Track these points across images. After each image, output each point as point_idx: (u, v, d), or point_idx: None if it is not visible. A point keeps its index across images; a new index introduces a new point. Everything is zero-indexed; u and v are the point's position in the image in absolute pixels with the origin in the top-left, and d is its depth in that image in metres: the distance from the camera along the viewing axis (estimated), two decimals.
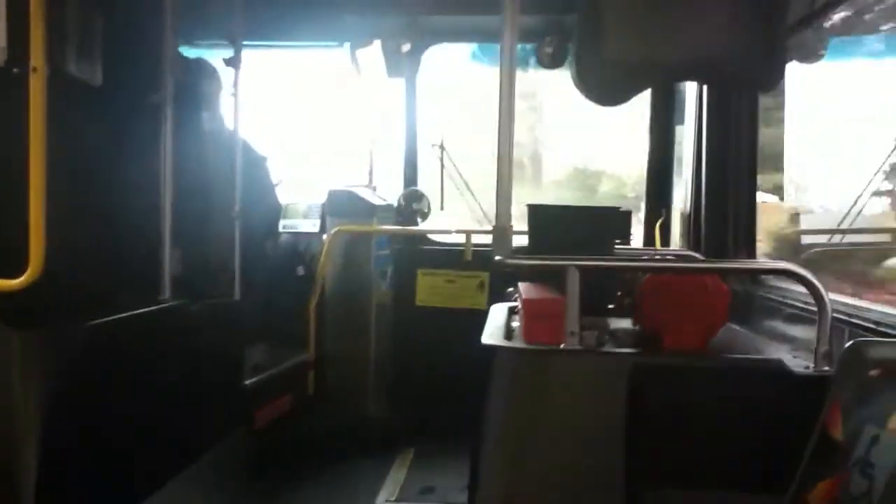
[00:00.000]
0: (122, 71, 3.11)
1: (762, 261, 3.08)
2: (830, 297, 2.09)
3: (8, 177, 2.58)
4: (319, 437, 4.41)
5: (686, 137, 3.96)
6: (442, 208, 5.28)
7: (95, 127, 3.01)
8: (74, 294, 2.73)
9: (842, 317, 2.17)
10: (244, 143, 4.13)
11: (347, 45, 5.07)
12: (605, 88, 2.28)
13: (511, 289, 2.90)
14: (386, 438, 4.63)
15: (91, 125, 2.99)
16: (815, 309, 2.10)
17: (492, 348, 2.25)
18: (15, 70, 2.49)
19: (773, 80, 2.35)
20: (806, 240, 4.82)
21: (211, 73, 4.15)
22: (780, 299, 2.69)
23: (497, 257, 2.18)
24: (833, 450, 1.63)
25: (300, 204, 5.09)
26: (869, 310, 2.22)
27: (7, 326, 2.30)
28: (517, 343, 2.30)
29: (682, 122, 4.30)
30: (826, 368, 2.05)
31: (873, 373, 1.66)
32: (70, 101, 2.81)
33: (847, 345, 1.79)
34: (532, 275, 2.67)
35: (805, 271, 2.14)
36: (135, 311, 2.85)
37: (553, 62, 4.61)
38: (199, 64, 4.13)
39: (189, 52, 4.16)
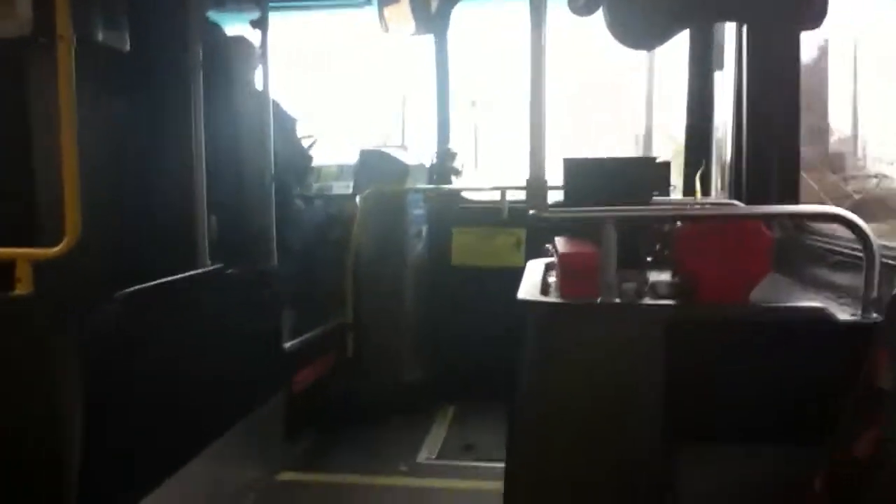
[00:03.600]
0: (150, 37, 3.09)
1: (805, 205, 2.97)
2: (878, 241, 2.02)
3: (40, 147, 2.60)
4: (359, 398, 4.44)
5: (725, 83, 3.83)
6: (476, 166, 5.21)
7: (125, 94, 3.01)
8: (111, 262, 2.76)
9: (891, 262, 2.09)
10: (275, 105, 4.11)
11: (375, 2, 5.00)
12: (639, 33, 2.21)
13: (548, 245, 2.86)
14: (426, 398, 4.65)
15: (120, 92, 2.99)
16: (861, 255, 2.03)
17: (527, 303, 2.22)
18: (41, 39, 2.49)
19: (816, 17, 2.25)
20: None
21: (239, 36, 4.13)
22: (826, 245, 2.61)
23: (531, 211, 2.13)
24: (879, 399, 1.58)
25: (333, 166, 5.06)
26: None
27: (45, 296, 2.33)
28: (553, 298, 2.27)
29: (721, 67, 4.16)
30: (874, 315, 1.98)
31: None
32: (98, 68, 2.80)
33: None
34: (568, 230, 2.62)
35: (852, 215, 2.05)
36: (172, 278, 2.87)
37: (586, 10, 4.47)
38: (226, 29, 4.12)
39: (215, 15, 4.14)
